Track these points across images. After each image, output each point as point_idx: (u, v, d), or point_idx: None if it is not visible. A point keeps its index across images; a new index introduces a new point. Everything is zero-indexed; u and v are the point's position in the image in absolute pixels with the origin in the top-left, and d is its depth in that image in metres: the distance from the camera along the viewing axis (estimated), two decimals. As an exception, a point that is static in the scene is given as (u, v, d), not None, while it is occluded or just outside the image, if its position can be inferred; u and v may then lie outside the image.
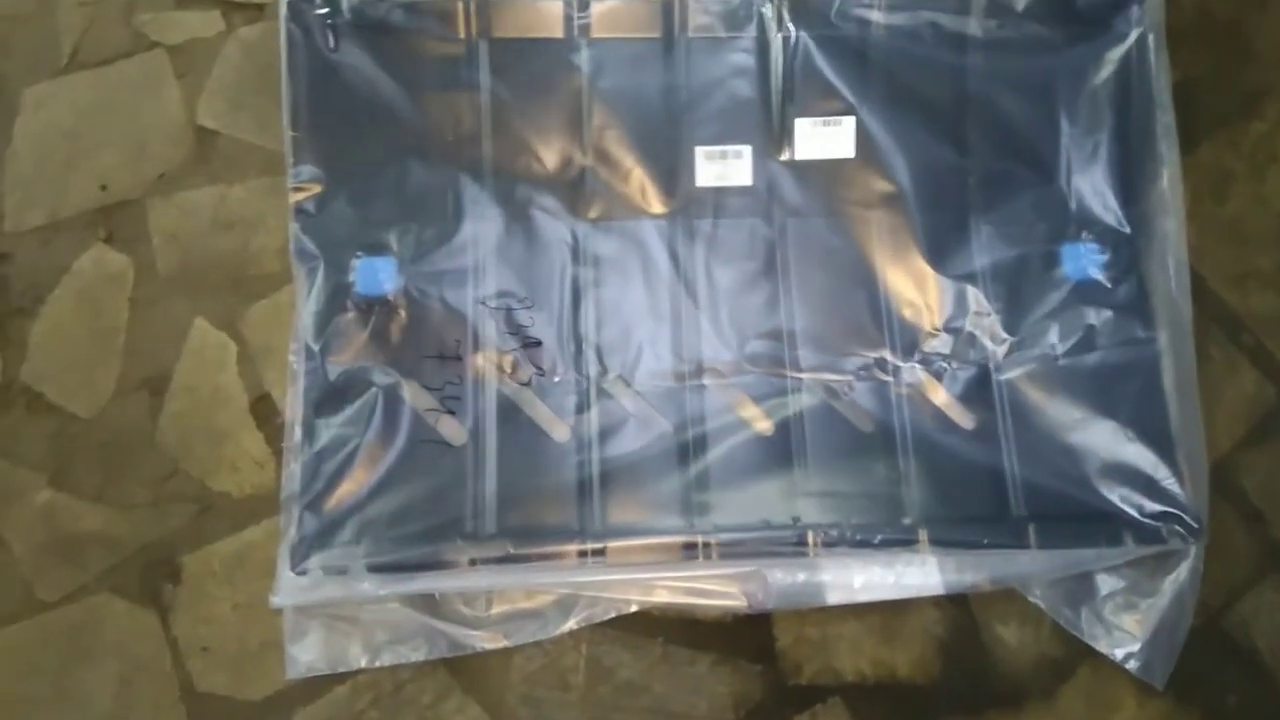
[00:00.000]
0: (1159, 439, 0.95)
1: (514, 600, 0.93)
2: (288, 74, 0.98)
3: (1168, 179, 1.00)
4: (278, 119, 0.96)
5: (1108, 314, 0.97)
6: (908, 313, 0.98)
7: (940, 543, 0.92)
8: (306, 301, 0.96)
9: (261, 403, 0.99)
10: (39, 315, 0.98)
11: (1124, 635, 0.92)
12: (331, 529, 0.90)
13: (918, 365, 0.97)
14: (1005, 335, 0.97)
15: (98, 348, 0.98)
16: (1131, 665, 0.93)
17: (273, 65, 0.98)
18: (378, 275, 0.97)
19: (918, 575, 0.93)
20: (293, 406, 0.92)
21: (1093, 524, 0.92)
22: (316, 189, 0.97)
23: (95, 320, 0.98)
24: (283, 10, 0.96)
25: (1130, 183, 1.01)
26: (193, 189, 1.01)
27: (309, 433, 0.92)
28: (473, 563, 0.89)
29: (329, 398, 0.95)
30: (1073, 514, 0.93)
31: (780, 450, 0.95)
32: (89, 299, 0.98)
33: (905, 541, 0.91)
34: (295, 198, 0.97)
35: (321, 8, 0.97)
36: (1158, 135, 1.01)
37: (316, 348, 0.95)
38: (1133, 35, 1.01)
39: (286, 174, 0.96)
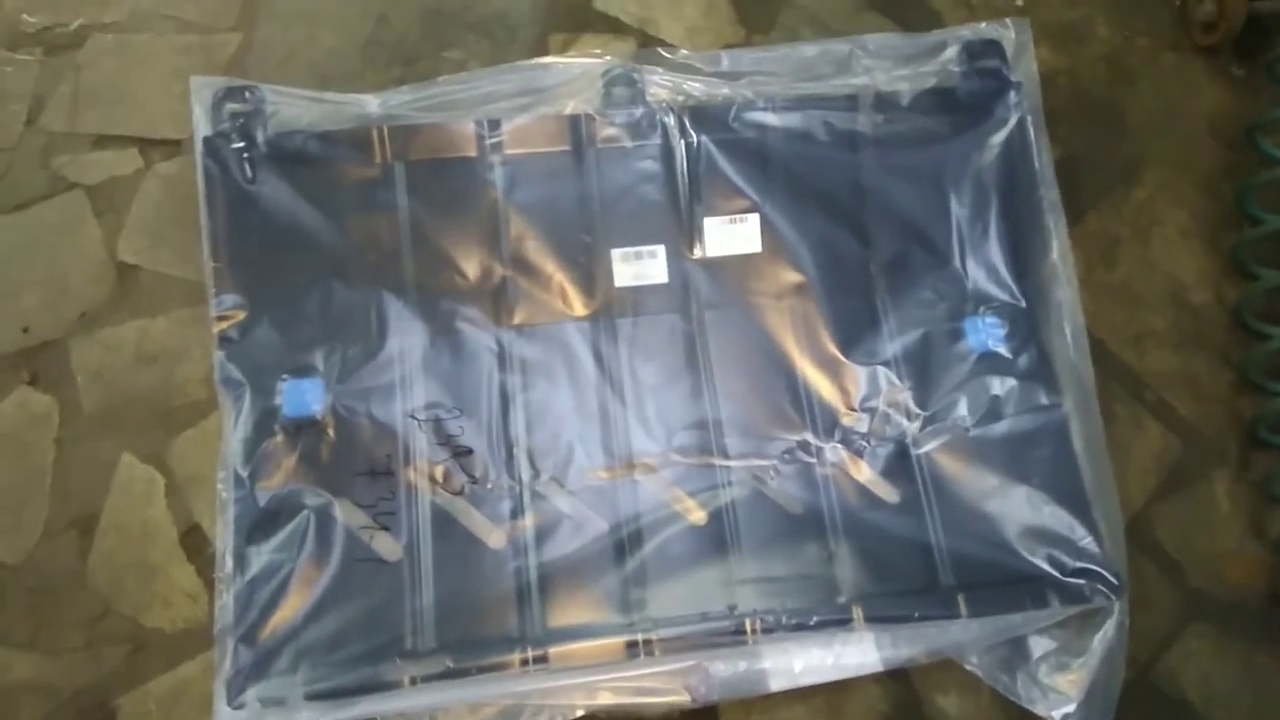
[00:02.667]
0: (1074, 500, 0.98)
1: (459, 717, 0.93)
2: (206, 207, 1.00)
3: (1058, 250, 1.06)
4: (199, 251, 0.98)
5: (1012, 383, 1.02)
6: (825, 395, 1.02)
7: (875, 619, 0.93)
8: (234, 429, 0.96)
9: (192, 534, 0.99)
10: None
11: (1059, 696, 0.94)
12: (267, 659, 0.89)
13: (839, 445, 1.00)
14: (918, 410, 1.01)
15: (24, 491, 0.97)
16: (1071, 725, 0.95)
17: (192, 198, 1.00)
18: (304, 396, 0.98)
19: (856, 654, 0.95)
20: (223, 536, 0.91)
21: (1018, 588, 0.95)
22: (240, 316, 0.98)
23: (21, 463, 0.98)
24: (199, 146, 0.99)
25: (1021, 257, 1.06)
26: (115, 325, 1.02)
27: (240, 561, 0.92)
28: (414, 681, 0.88)
29: (260, 524, 0.95)
30: (999, 579, 0.95)
31: (714, 539, 0.97)
32: (14, 442, 0.98)
33: (841, 621, 0.93)
34: (219, 327, 0.98)
35: (237, 141, 1.00)
36: (1044, 210, 1.07)
37: (245, 474, 0.95)
38: (1013, 119, 1.08)
39: (209, 304, 0.97)
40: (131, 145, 1.08)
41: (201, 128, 1.00)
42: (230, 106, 1.01)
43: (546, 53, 1.17)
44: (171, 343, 1.02)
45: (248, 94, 1.01)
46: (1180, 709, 0.97)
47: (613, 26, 1.17)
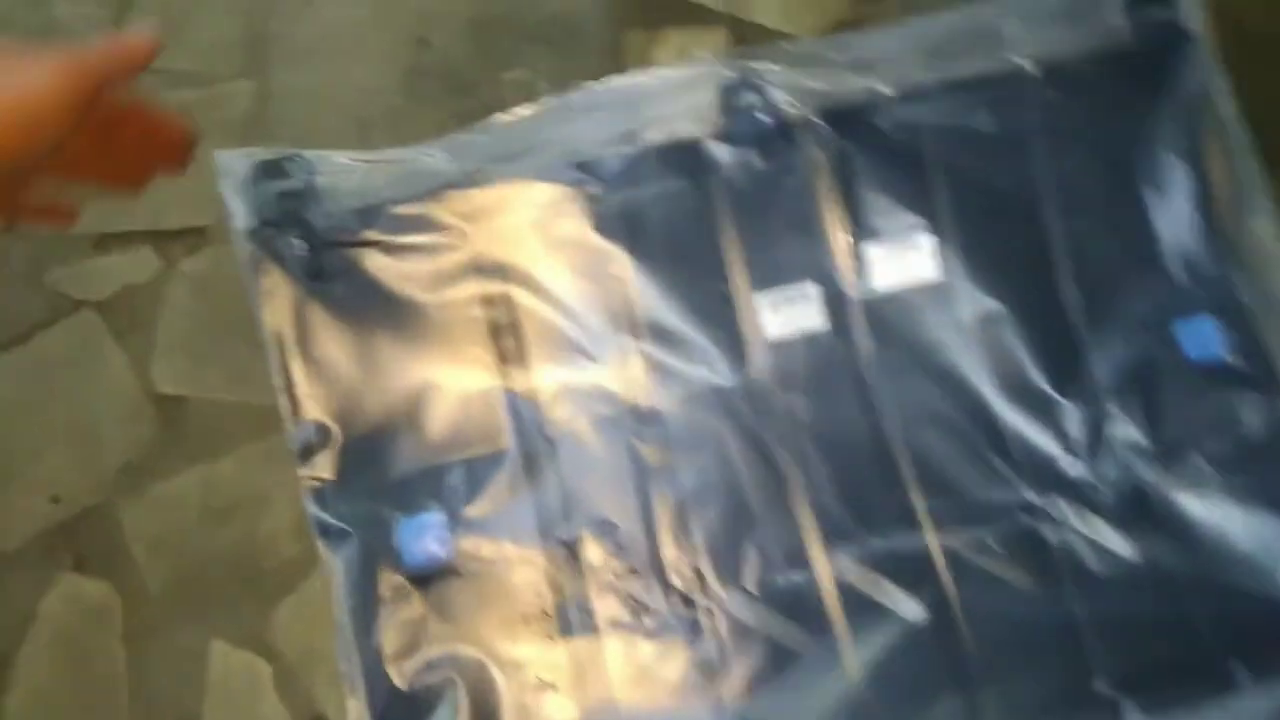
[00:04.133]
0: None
1: None
2: (263, 318, 0.80)
3: (1268, 227, 0.90)
4: (257, 364, 0.79)
5: (1251, 394, 0.88)
6: (1036, 440, 0.86)
7: (1143, 705, 0.80)
8: (345, 590, 0.79)
9: (317, 725, 0.81)
10: (10, 683, 0.77)
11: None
12: None
13: (1060, 498, 0.86)
14: (1150, 445, 0.86)
15: (97, 705, 0.78)
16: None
17: (233, 298, 0.81)
18: (425, 536, 0.80)
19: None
20: (361, 727, 0.75)
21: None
22: (328, 447, 0.80)
23: (85, 673, 0.78)
24: (240, 242, 0.79)
25: (1227, 241, 0.91)
26: (169, 477, 0.82)
27: (389, 760, 0.75)
28: None
29: (401, 704, 0.78)
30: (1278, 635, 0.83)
31: (936, 635, 0.82)
32: (72, 648, 0.78)
33: (1107, 712, 0.80)
34: (304, 467, 0.80)
35: (290, 231, 0.79)
36: (1248, 182, 0.91)
37: (370, 646, 0.78)
38: (1197, 78, 0.92)
39: (285, 432, 0.79)
40: (143, 243, 0.87)
41: (239, 216, 0.80)
42: (273, 187, 0.80)
43: (622, 55, 0.96)
44: (245, 489, 0.83)
45: (291, 166, 0.81)
46: None
47: (695, 14, 0.97)
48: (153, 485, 0.82)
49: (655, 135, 0.87)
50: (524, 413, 0.83)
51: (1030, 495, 0.86)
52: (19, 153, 0.39)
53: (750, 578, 0.83)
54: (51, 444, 0.82)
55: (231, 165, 0.79)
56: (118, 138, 0.49)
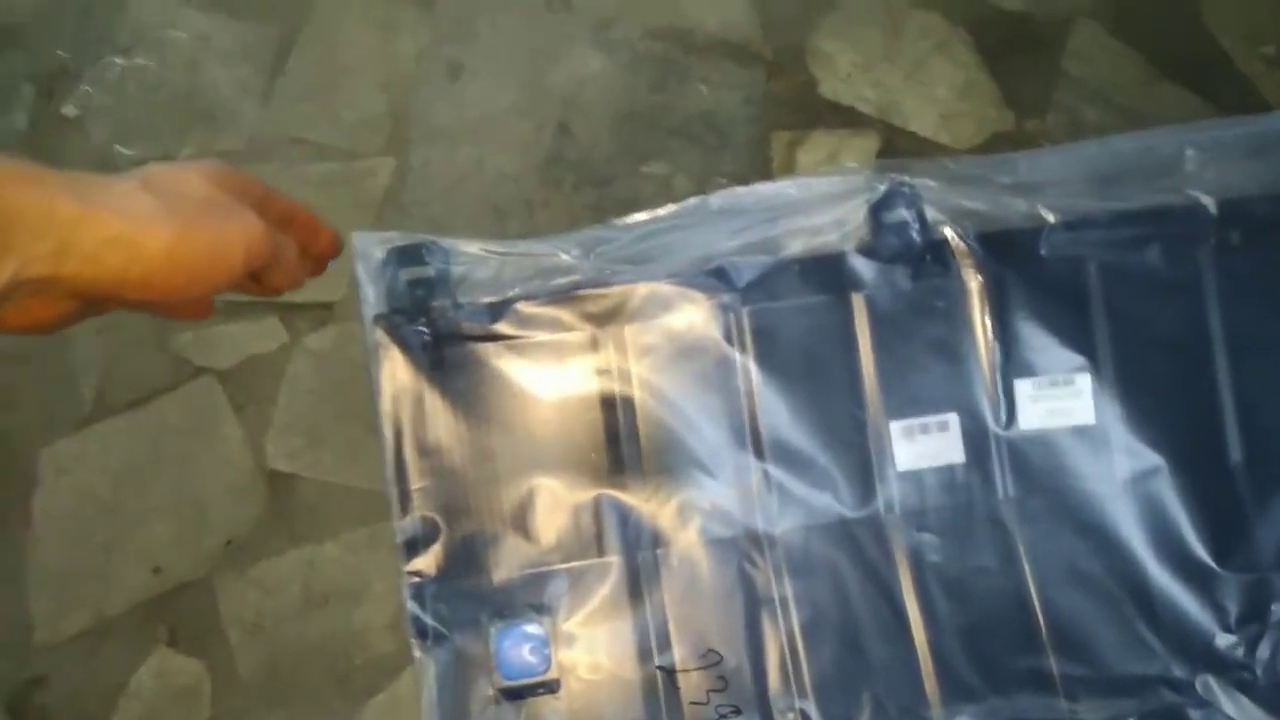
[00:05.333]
0: None
1: None
2: (382, 408, 0.78)
3: None
4: (370, 446, 0.76)
5: None
6: (1190, 613, 0.78)
7: None
8: (434, 699, 0.75)
9: (393, 838, 0.77)
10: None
11: None
12: None
13: (1211, 677, 0.78)
14: (1320, 630, 0.78)
15: (174, 790, 0.76)
16: None
17: (354, 380, 0.79)
18: (524, 648, 0.77)
19: None
20: None
21: None
22: (432, 546, 0.77)
23: (166, 754, 0.76)
24: (369, 325, 0.77)
25: None
26: (272, 557, 0.80)
27: None
28: None
29: (483, 826, 0.74)
30: None
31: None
32: (155, 726, 0.77)
33: None
34: (407, 562, 0.77)
35: (418, 320, 0.77)
36: None
37: (458, 760, 0.75)
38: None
39: (391, 519, 0.76)
40: (270, 313, 0.86)
41: (370, 301, 0.78)
42: (406, 274, 0.78)
43: (767, 157, 0.93)
44: (345, 576, 0.80)
45: (426, 253, 0.79)
46: None
47: (847, 118, 0.93)
48: (254, 564, 0.80)
49: (796, 245, 0.83)
50: (634, 525, 0.79)
51: (1177, 671, 0.78)
52: (211, 287, 0.42)
53: (863, 732, 0.77)
54: (159, 512, 0.82)
55: (368, 248, 0.78)
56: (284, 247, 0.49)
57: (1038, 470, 0.81)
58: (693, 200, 0.84)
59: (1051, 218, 0.82)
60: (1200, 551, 0.79)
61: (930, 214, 0.83)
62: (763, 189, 0.84)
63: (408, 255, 0.78)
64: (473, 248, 0.80)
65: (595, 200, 0.89)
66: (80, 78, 0.94)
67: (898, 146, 0.90)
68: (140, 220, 0.38)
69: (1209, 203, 0.83)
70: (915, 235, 0.82)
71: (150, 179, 0.42)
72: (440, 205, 0.89)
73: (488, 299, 0.79)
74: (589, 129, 0.91)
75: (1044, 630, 0.79)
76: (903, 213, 0.82)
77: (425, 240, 0.79)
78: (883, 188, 0.83)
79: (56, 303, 0.40)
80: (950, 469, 0.81)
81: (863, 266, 0.82)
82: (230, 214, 0.42)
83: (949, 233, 0.82)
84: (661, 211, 0.83)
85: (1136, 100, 0.96)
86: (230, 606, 0.79)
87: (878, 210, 0.83)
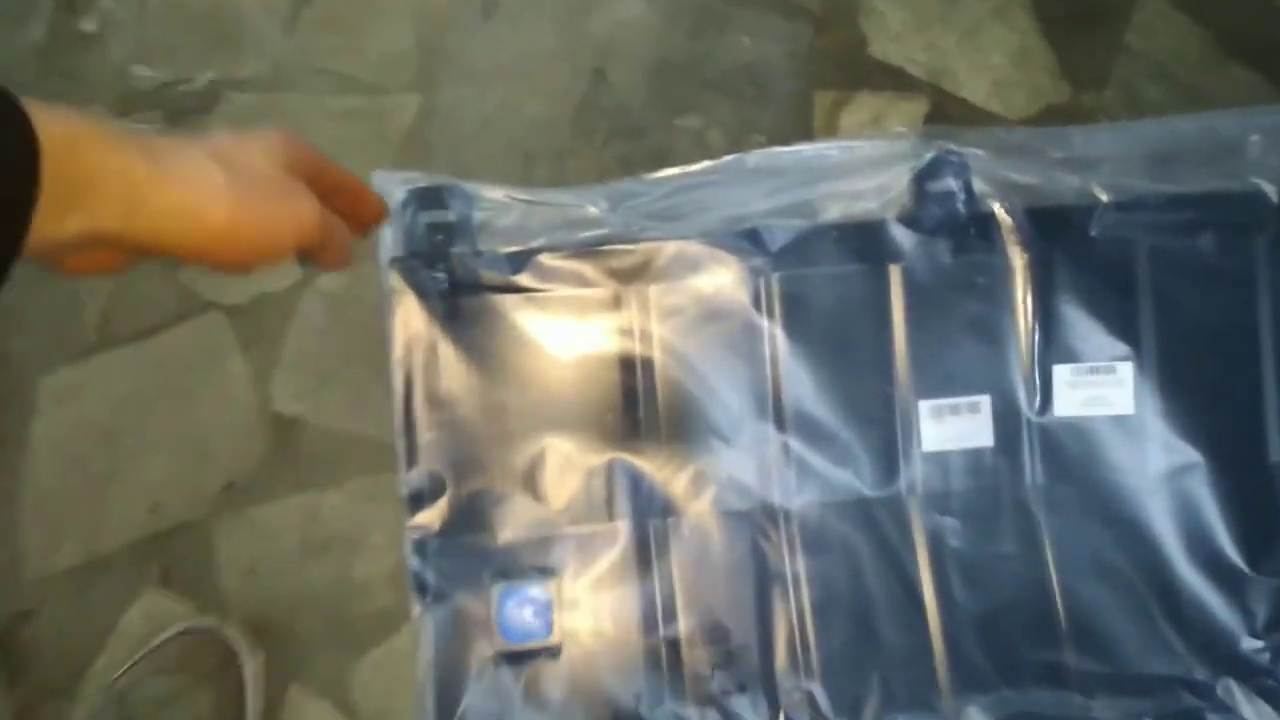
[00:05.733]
0: None
1: None
2: (394, 355, 0.75)
3: None
4: (379, 395, 0.75)
5: None
6: (1218, 615, 0.75)
7: None
8: (432, 657, 0.73)
9: (385, 794, 0.76)
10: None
11: None
12: None
13: (1233, 681, 0.75)
14: (1355, 643, 0.75)
15: (161, 732, 0.74)
16: None
17: (367, 324, 0.76)
18: (527, 611, 0.74)
19: None
20: (432, 812, 0.69)
21: None
22: (437, 501, 0.75)
23: (155, 696, 0.74)
24: (384, 267, 0.74)
25: None
26: (272, 501, 0.78)
27: None
28: None
29: (475, 787, 0.72)
30: None
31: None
32: (145, 667, 0.74)
33: None
34: (411, 516, 0.74)
35: (437, 267, 0.74)
36: None
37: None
38: None
39: (396, 471, 0.73)
40: (283, 250, 0.82)
41: (388, 243, 0.74)
42: (426, 217, 0.74)
43: (808, 116, 0.89)
44: (347, 526, 0.78)
45: (449, 196, 0.75)
46: None
47: (895, 80, 0.89)
48: (254, 509, 0.78)
49: (834, 211, 0.79)
50: (646, 492, 0.76)
51: (1199, 673, 0.75)
52: (260, 261, 0.45)
53: (868, 714, 0.74)
54: (158, 449, 0.79)
55: (388, 187, 0.74)
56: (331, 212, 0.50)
57: (1070, 459, 0.78)
58: (728, 157, 0.80)
59: (1104, 197, 0.78)
60: (1232, 553, 0.76)
61: (977, 185, 0.79)
62: (803, 149, 0.80)
63: (429, 198, 0.74)
64: (497, 194, 0.76)
65: (626, 153, 0.85)
66: (100, -9, 0.90)
67: (947, 113, 0.86)
68: (205, 193, 0.40)
69: (1270, 190, 0.79)
70: (960, 206, 0.78)
71: (219, 151, 0.43)
72: (467, 148, 0.85)
73: (509, 248, 0.75)
74: (625, 76, 0.87)
75: (1063, 623, 0.76)
76: (949, 182, 0.78)
77: (448, 183, 0.75)
78: (929, 155, 0.79)
79: (117, 253, 0.42)
80: (977, 452, 0.78)
81: (903, 236, 0.78)
82: (287, 196, 0.44)
83: (996, 206, 0.78)
84: (695, 167, 0.80)
85: (1200, 80, 0.92)
86: (227, 549, 0.77)
87: (922, 178, 0.79)
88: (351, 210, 0.55)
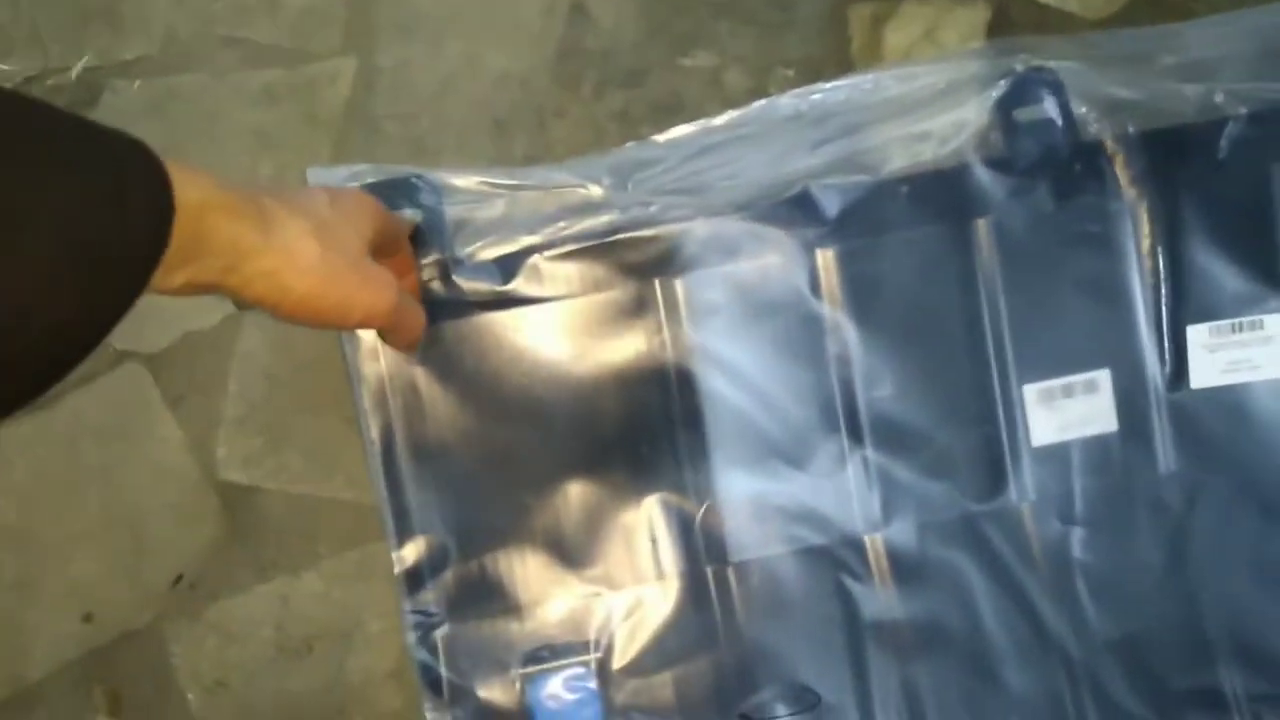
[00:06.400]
0: None
1: None
2: (363, 400, 0.60)
3: None
4: (350, 445, 0.59)
5: None
6: None
7: None
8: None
9: None
10: None
11: None
12: None
13: None
14: None
15: None
16: None
17: (326, 360, 0.60)
18: (565, 700, 0.61)
19: None
20: None
21: None
22: (440, 575, 0.60)
23: None
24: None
25: None
26: (235, 594, 0.62)
27: None
28: None
29: None
30: None
31: None
32: (98, 825, 0.60)
33: None
34: (409, 602, 0.60)
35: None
36: None
37: None
38: None
39: (387, 540, 0.59)
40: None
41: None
42: (384, 221, 0.58)
43: (846, 38, 0.72)
44: (331, 615, 0.63)
45: (411, 192, 0.59)
46: None
47: (945, -17, 0.72)
48: (212, 605, 0.64)
49: (899, 159, 0.63)
50: (698, 535, 0.62)
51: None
52: (328, 328, 0.50)
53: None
54: (84, 543, 0.64)
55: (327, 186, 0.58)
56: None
57: (1214, 440, 0.64)
58: (756, 104, 0.64)
59: (1236, 109, 0.63)
60: None
61: (1076, 108, 0.63)
62: (848, 85, 0.64)
63: (385, 195, 0.58)
64: (470, 181, 0.60)
65: (623, 107, 0.69)
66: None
67: (1013, 18, 0.70)
68: (298, 268, 0.45)
69: None
70: (1060, 138, 0.62)
71: (321, 224, 0.47)
72: (422, 122, 0.69)
73: (496, 251, 0.59)
74: (611, 8, 0.70)
75: (1220, 640, 0.64)
76: (1044, 107, 0.62)
77: (406, 173, 0.59)
78: (1012, 75, 0.63)
79: (205, 291, 0.45)
80: (1100, 440, 0.64)
81: (990, 182, 0.63)
82: (366, 284, 0.48)
83: (1103, 133, 0.62)
84: (715, 121, 0.64)
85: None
86: (186, 660, 0.63)
87: (1008, 105, 0.63)
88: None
